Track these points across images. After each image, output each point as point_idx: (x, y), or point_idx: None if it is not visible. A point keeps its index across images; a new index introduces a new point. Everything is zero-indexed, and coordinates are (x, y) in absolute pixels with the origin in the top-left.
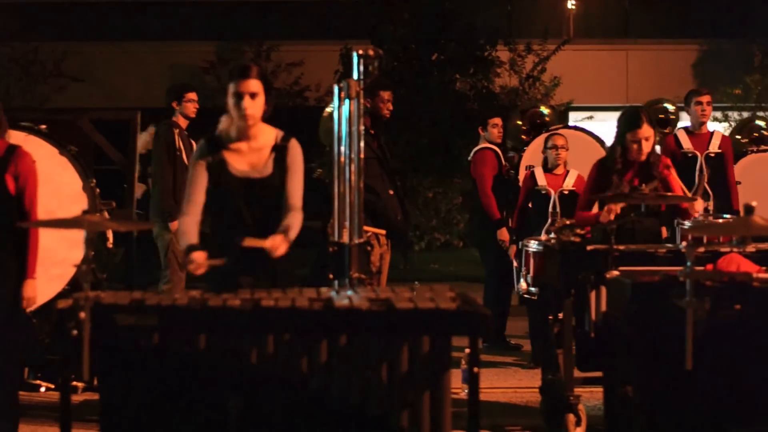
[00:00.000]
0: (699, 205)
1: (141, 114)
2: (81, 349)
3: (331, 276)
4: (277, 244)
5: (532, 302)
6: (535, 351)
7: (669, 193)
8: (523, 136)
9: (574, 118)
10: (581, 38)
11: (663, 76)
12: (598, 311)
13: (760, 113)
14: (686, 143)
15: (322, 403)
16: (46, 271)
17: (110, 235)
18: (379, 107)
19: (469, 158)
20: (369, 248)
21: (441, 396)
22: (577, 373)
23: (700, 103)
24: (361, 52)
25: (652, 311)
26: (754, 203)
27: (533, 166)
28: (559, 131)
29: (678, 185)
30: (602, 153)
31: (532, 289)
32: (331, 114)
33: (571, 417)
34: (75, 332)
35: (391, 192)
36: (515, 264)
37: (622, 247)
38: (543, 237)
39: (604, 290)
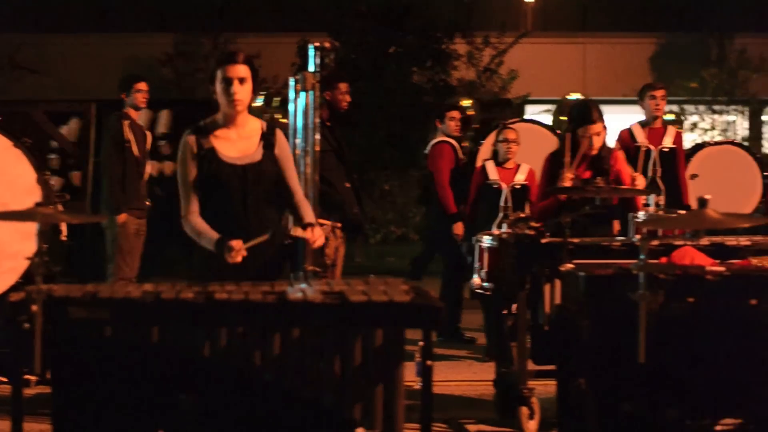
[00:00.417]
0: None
1: (96, 106)
2: (33, 343)
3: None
4: (317, 236)
5: (485, 297)
6: (490, 344)
7: (622, 186)
8: None
9: (531, 111)
10: (539, 31)
11: (620, 70)
12: (552, 304)
13: (716, 107)
14: (640, 137)
15: (276, 396)
16: None
17: (64, 227)
18: (337, 99)
19: (426, 151)
20: (324, 241)
21: (394, 389)
22: (530, 366)
23: (654, 97)
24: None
25: (605, 304)
26: (707, 196)
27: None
28: (514, 125)
29: (628, 177)
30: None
31: (486, 284)
32: (259, 108)
33: (525, 410)
34: (27, 325)
35: (348, 184)
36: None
37: (576, 240)
38: (495, 231)
39: (558, 283)
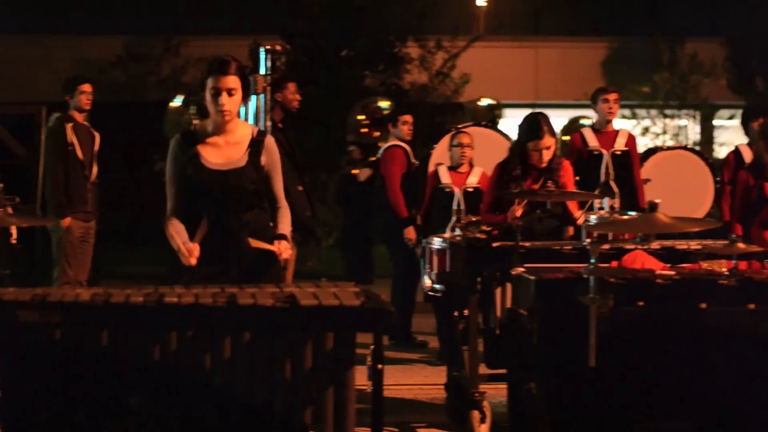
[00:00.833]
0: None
1: (47, 109)
2: None
3: None
4: (284, 249)
5: (437, 299)
6: (442, 348)
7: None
8: (363, 130)
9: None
10: (491, 35)
11: (572, 74)
12: (503, 308)
13: (668, 111)
14: (592, 141)
15: (226, 400)
16: None
17: (14, 230)
18: (288, 99)
19: (378, 155)
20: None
21: (345, 393)
22: (482, 370)
23: (607, 100)
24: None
25: (556, 308)
26: (657, 201)
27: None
28: (466, 129)
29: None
30: None
31: (437, 286)
32: (176, 108)
33: (476, 414)
34: None
35: (300, 188)
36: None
37: (527, 244)
38: (447, 234)
39: (509, 287)
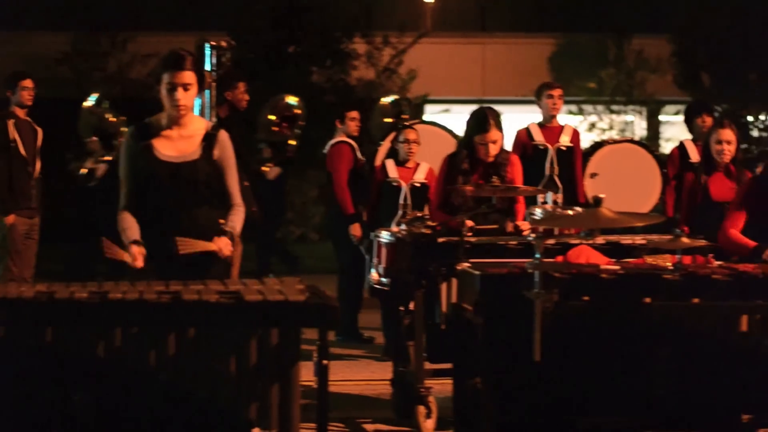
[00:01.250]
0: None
1: None
2: None
3: None
4: (224, 245)
5: (384, 293)
6: (388, 343)
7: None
8: (274, 128)
9: (431, 111)
10: (438, 31)
11: (519, 70)
12: (448, 303)
13: (614, 107)
14: (537, 136)
15: (171, 397)
16: None
17: None
18: (238, 99)
19: (325, 151)
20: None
21: (290, 388)
22: (428, 365)
23: (551, 96)
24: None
25: (500, 303)
26: (602, 195)
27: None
28: (413, 126)
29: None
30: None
31: (384, 279)
32: (89, 107)
33: (422, 409)
34: None
35: (246, 183)
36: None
37: (473, 239)
38: (394, 228)
39: (454, 282)
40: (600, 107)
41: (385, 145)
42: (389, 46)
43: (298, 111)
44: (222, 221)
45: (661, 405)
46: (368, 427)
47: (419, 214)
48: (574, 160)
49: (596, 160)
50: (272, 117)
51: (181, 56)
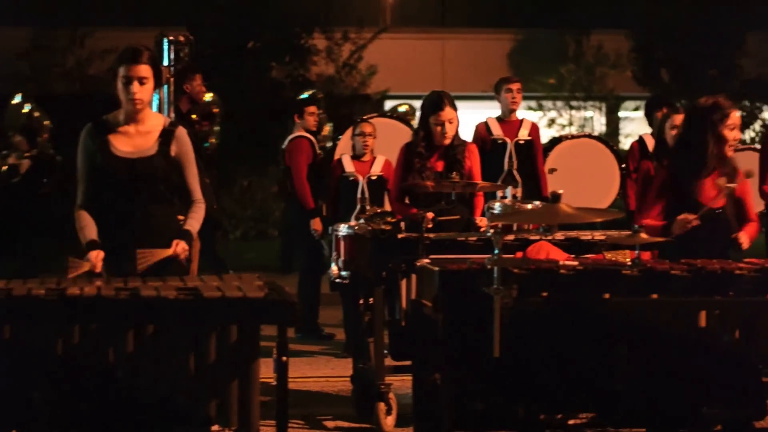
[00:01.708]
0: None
1: None
2: None
3: None
4: (180, 250)
5: (344, 287)
6: (348, 340)
7: (478, 182)
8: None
9: (390, 106)
10: (398, 27)
11: (479, 65)
12: (408, 299)
13: (574, 102)
14: (496, 130)
15: (130, 394)
16: None
17: None
18: (196, 91)
19: (284, 146)
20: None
21: (249, 385)
22: (388, 362)
23: (510, 90)
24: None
25: (460, 299)
26: (560, 191)
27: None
28: (369, 119)
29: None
30: None
31: (344, 273)
32: (18, 104)
33: (382, 406)
34: None
35: (207, 180)
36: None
37: (432, 236)
38: (354, 222)
39: (414, 278)
40: (559, 103)
41: (343, 140)
42: (349, 41)
43: (216, 110)
44: (181, 218)
45: (620, 400)
46: (328, 423)
47: (379, 210)
48: (534, 153)
49: (555, 156)
50: (194, 117)
51: (138, 50)
